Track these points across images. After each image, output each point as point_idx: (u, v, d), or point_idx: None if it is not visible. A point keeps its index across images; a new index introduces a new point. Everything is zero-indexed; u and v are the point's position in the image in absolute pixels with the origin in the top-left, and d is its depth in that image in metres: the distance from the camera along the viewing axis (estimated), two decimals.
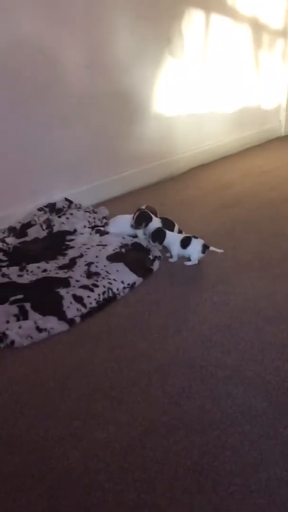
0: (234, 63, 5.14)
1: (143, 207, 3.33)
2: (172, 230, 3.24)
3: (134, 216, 3.24)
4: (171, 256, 3.11)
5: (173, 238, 3.08)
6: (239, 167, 5.00)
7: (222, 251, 3.04)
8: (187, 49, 4.51)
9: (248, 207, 3.93)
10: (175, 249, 3.06)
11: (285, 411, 1.90)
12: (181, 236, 3.09)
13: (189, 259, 3.05)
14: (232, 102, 5.28)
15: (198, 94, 4.79)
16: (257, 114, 5.76)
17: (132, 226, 3.27)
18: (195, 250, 3.01)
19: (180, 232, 3.30)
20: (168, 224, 3.25)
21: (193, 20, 4.48)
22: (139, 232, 3.29)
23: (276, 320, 2.46)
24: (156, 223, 3.22)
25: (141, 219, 3.22)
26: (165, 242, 3.08)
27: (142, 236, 3.28)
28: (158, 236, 3.07)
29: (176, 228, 3.29)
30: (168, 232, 3.09)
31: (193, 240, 3.01)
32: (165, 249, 3.14)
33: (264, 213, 3.81)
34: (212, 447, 1.75)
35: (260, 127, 5.87)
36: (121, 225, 3.36)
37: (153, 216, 3.26)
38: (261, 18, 5.28)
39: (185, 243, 3.02)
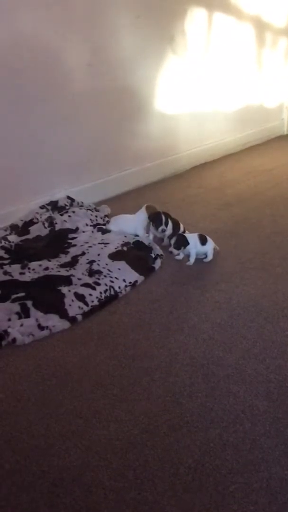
0: (236, 61, 5.13)
1: (144, 206, 3.32)
2: (178, 229, 3.26)
3: (155, 217, 3.21)
4: (178, 259, 3.08)
5: (191, 240, 3.03)
6: (241, 166, 5.00)
7: (218, 248, 3.10)
8: (190, 47, 4.51)
9: (250, 205, 3.93)
10: (194, 248, 3.02)
11: (287, 410, 1.90)
12: (195, 234, 3.06)
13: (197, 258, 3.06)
14: (235, 100, 5.28)
15: (201, 92, 4.79)
16: (259, 113, 5.76)
17: (156, 229, 3.21)
18: (210, 246, 3.04)
19: (184, 231, 3.31)
20: (174, 224, 3.26)
21: (196, 19, 4.47)
22: (140, 231, 3.29)
23: (278, 319, 2.46)
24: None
25: (161, 219, 3.19)
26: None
27: (144, 235, 3.29)
28: (182, 243, 2.98)
29: (182, 227, 3.30)
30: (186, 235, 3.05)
31: (208, 237, 3.04)
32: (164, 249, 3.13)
33: (266, 211, 3.81)
34: (213, 446, 1.75)
35: (262, 126, 5.87)
36: (123, 224, 3.37)
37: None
38: (264, 16, 5.28)
39: (203, 240, 3.03)
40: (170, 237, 3.10)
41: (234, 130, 5.41)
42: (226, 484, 1.61)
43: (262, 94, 5.69)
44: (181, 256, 3.08)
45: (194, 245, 3.01)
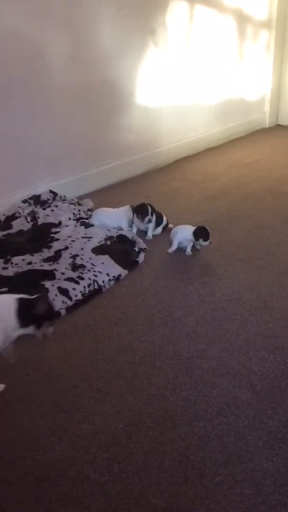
0: (218, 54, 5.12)
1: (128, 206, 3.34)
2: (161, 222, 3.30)
3: (141, 208, 3.20)
4: (188, 254, 3.11)
5: (188, 230, 3.09)
6: (224, 159, 5.00)
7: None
8: (171, 40, 4.49)
9: (233, 198, 3.94)
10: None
11: (270, 402, 1.92)
12: (188, 226, 3.12)
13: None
14: (217, 93, 5.27)
15: (183, 85, 4.77)
16: (241, 106, 5.75)
17: (142, 219, 3.20)
18: None
19: (167, 224, 3.33)
20: (157, 216, 3.27)
21: (177, 11, 4.45)
22: (124, 225, 3.29)
23: (261, 311, 2.48)
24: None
25: (147, 209, 3.19)
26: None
27: (127, 228, 3.28)
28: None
29: (165, 220, 3.31)
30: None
31: None
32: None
33: (248, 204, 3.82)
34: (198, 438, 1.76)
35: (244, 119, 5.87)
36: (105, 217, 3.36)
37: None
38: (245, 9, 5.27)
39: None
40: (195, 232, 3.05)
41: (216, 123, 5.40)
42: (211, 476, 1.62)
43: (244, 87, 5.69)
44: (189, 252, 3.09)
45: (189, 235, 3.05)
